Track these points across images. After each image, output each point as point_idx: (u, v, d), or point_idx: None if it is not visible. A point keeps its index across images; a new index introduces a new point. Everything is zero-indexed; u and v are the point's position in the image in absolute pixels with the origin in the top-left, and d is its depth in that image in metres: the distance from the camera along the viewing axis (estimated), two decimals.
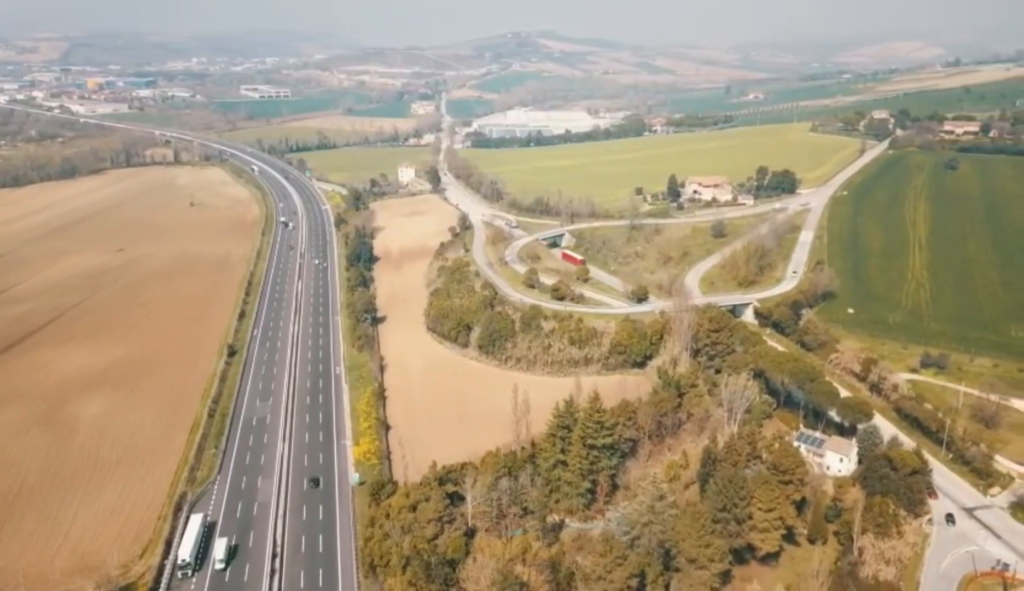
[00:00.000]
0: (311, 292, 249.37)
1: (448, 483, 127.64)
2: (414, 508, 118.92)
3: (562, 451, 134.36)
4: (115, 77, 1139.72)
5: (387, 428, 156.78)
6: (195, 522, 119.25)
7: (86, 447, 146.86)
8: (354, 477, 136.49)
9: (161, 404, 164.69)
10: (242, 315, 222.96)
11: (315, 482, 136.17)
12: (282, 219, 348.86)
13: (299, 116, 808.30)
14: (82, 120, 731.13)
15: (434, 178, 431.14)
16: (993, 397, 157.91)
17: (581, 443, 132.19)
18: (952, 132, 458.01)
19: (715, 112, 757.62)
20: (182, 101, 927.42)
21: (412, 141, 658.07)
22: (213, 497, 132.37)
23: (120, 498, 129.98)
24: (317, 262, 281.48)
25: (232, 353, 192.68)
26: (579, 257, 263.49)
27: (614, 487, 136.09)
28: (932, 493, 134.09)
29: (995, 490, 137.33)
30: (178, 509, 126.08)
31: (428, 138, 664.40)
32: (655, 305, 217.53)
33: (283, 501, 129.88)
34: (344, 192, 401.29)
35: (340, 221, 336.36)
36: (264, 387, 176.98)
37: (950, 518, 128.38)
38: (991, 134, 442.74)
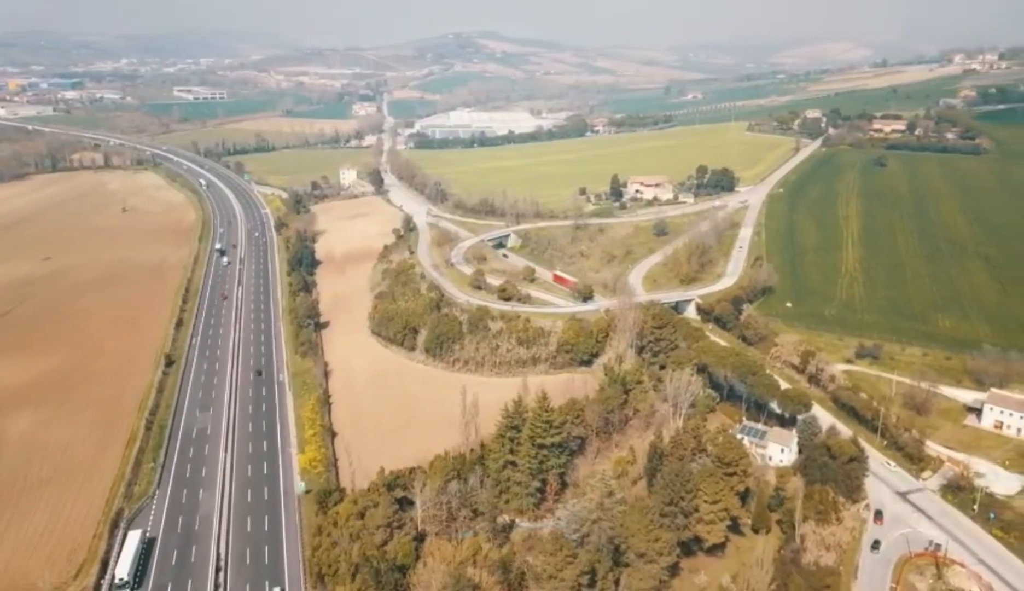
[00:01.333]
0: (252, 298, 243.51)
1: (397, 488, 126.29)
2: (362, 515, 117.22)
3: (511, 451, 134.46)
4: (38, 78, 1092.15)
5: (333, 435, 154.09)
6: (133, 539, 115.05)
7: (13, 465, 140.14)
8: (300, 486, 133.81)
9: (94, 418, 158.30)
10: (179, 323, 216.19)
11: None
12: (218, 246, 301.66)
13: (236, 118, 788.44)
14: (2, 123, 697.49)
15: (377, 180, 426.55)
16: (923, 385, 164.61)
17: (530, 443, 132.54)
18: (881, 130, 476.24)
19: (655, 112, 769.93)
20: (111, 103, 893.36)
21: (354, 143, 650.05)
22: (152, 512, 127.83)
23: (52, 517, 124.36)
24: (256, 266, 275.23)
25: (169, 363, 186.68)
26: (572, 279, 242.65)
27: (563, 485, 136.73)
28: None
29: (927, 474, 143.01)
30: (115, 526, 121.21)
31: (370, 139, 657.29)
32: (600, 304, 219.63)
33: (226, 513, 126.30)
34: (284, 195, 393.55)
35: (281, 225, 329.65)
36: (204, 397, 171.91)
37: (878, 516, 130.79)
38: (917, 132, 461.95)
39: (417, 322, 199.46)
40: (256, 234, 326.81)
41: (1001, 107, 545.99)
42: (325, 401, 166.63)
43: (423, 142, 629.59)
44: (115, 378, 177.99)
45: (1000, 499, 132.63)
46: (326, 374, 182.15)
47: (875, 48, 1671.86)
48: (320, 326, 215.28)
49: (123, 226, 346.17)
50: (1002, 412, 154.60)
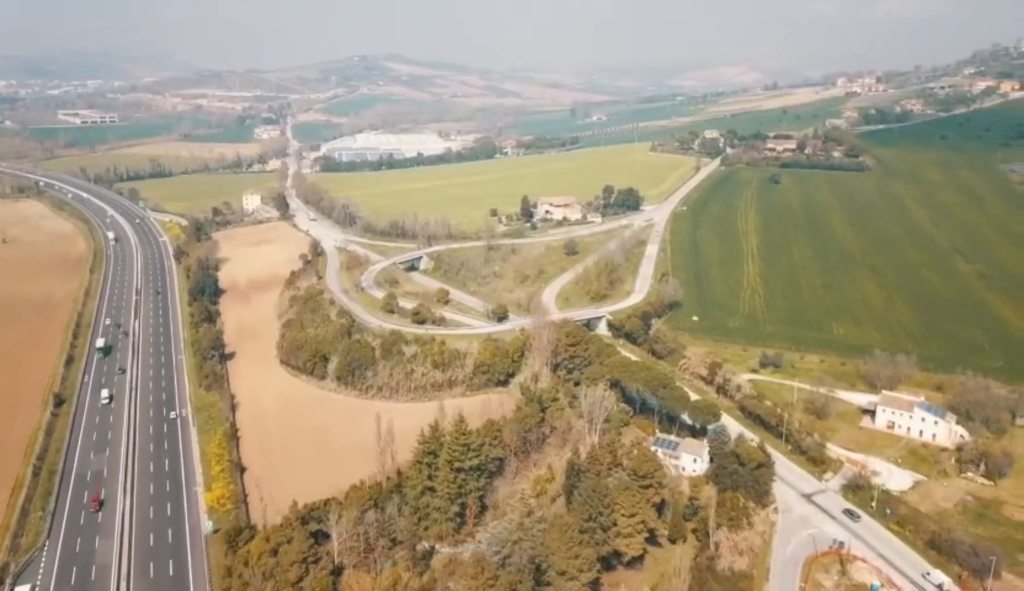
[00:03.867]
0: (150, 331, 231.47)
1: (311, 522, 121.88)
2: (275, 552, 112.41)
3: (429, 477, 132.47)
4: None
5: (242, 470, 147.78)
6: None
7: None
8: (207, 525, 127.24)
9: None
10: (70, 360, 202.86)
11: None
12: (106, 322, 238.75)
13: (129, 143, 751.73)
14: None
15: (282, 205, 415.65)
16: (822, 390, 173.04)
17: (448, 467, 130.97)
18: (774, 149, 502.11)
19: (562, 134, 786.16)
20: None
21: (257, 167, 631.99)
22: (42, 565, 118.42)
23: None
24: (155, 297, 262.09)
25: (59, 402, 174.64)
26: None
27: (483, 508, 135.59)
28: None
29: (828, 475, 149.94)
30: (0, 583, 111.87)
31: (274, 163, 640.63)
32: (515, 323, 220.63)
33: (126, 561, 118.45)
34: (184, 222, 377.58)
35: (180, 253, 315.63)
36: (99, 438, 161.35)
37: None
38: (807, 151, 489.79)
39: (327, 349, 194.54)
40: (153, 263, 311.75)
41: (881, 127, 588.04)
42: (232, 435, 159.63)
43: (330, 165, 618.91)
44: None
45: (895, 495, 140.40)
46: (233, 407, 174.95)
47: (766, 72, 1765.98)
48: (225, 357, 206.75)
49: (3, 259, 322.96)
50: (893, 413, 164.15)
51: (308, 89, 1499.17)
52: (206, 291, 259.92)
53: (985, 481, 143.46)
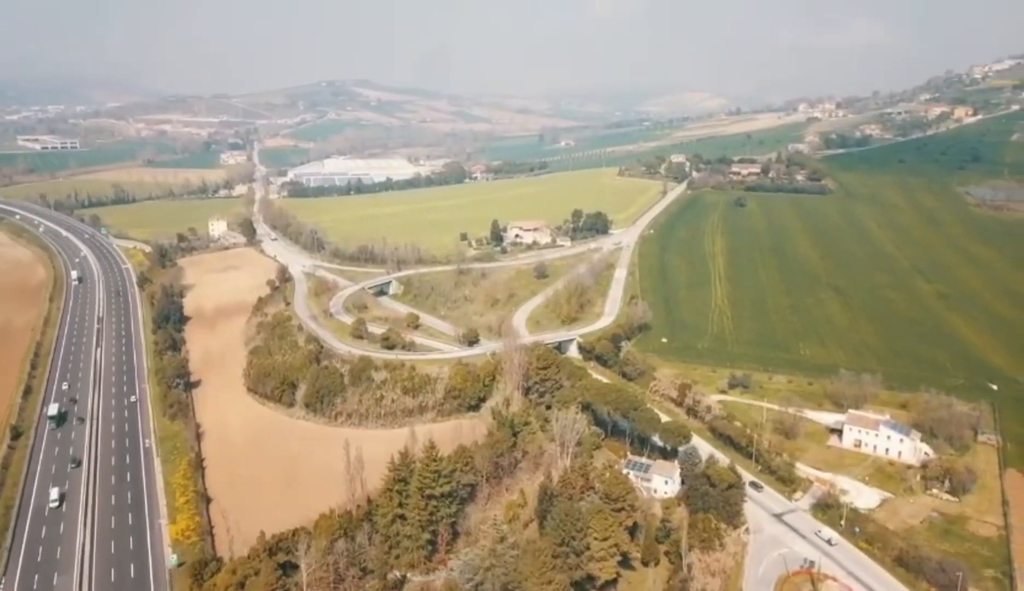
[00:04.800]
0: (112, 360, 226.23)
1: (279, 553, 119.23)
2: (242, 584, 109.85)
3: (400, 505, 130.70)
4: None
5: (208, 501, 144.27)
6: None
7: None
8: (172, 559, 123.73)
9: None
10: (28, 391, 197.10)
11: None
12: (65, 391, 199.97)
13: (91, 169, 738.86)
14: None
15: (249, 230, 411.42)
16: (790, 410, 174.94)
17: (419, 494, 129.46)
18: (739, 173, 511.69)
19: (531, 159, 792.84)
20: None
21: (223, 192, 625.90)
22: None
23: None
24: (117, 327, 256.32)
25: (16, 435, 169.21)
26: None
27: (455, 534, 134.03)
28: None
29: (798, 495, 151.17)
30: None
31: (241, 189, 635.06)
32: (486, 347, 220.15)
33: None
34: (148, 249, 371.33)
35: (144, 280, 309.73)
36: (59, 470, 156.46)
37: None
38: (771, 175, 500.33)
39: (295, 376, 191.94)
40: (116, 291, 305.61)
41: (841, 151, 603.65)
42: (198, 465, 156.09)
43: (297, 191, 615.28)
44: None
45: (863, 513, 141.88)
46: (198, 436, 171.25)
47: (730, 97, 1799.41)
48: (191, 386, 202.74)
49: None
50: (860, 431, 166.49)
51: (275, 114, 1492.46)
52: (171, 318, 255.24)
53: (950, 497, 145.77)
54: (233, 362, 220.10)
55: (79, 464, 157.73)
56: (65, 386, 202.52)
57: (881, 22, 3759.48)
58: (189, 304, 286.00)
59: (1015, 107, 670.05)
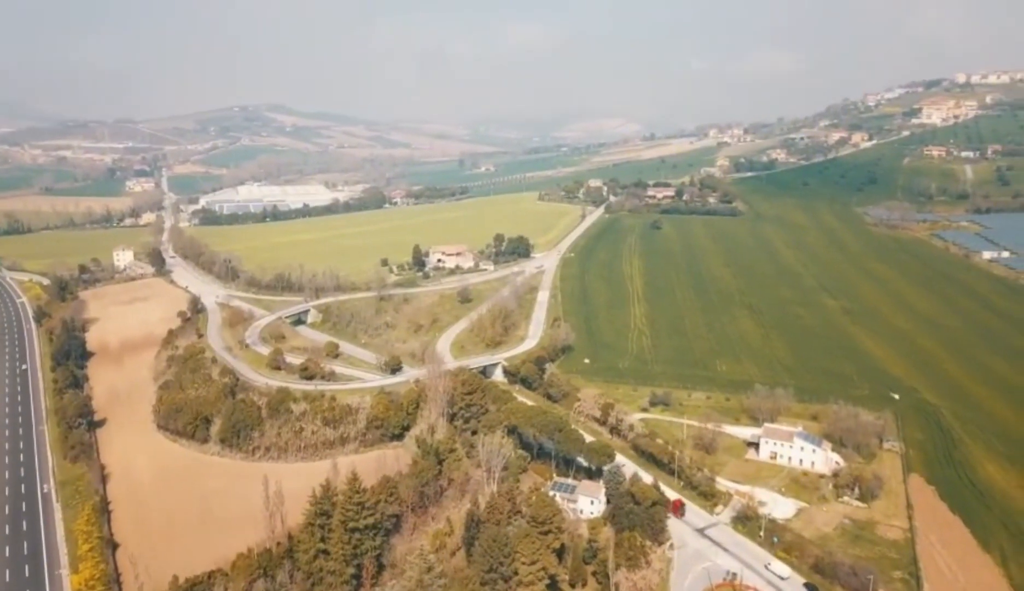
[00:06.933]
0: (6, 401, 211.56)
1: None
2: None
3: (322, 539, 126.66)
4: None
5: (114, 547, 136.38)
6: None
7: None
8: None
9: None
10: None
11: None
12: None
13: None
14: None
15: (158, 260, 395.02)
16: (709, 426, 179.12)
17: (342, 528, 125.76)
18: (654, 197, 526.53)
19: (452, 184, 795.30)
20: None
21: (129, 221, 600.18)
22: None
23: None
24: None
25: None
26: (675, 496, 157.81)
27: (380, 567, 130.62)
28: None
29: (719, 508, 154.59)
30: None
31: (149, 217, 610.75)
32: (409, 374, 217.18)
33: None
34: (46, 282, 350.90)
35: (42, 315, 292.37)
36: None
37: None
38: (684, 197, 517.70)
39: (209, 411, 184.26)
40: (9, 327, 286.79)
41: (750, 174, 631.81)
42: (103, 509, 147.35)
43: (210, 218, 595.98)
44: None
45: (780, 523, 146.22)
46: (103, 478, 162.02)
47: (644, 123, 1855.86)
48: (95, 425, 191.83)
49: None
50: (775, 444, 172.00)
51: (185, 140, 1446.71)
52: (72, 355, 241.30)
53: (860, 504, 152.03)
54: (141, 398, 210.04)
55: None
56: None
57: (783, 53, 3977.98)
58: (92, 339, 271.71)
59: (905, 133, 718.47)
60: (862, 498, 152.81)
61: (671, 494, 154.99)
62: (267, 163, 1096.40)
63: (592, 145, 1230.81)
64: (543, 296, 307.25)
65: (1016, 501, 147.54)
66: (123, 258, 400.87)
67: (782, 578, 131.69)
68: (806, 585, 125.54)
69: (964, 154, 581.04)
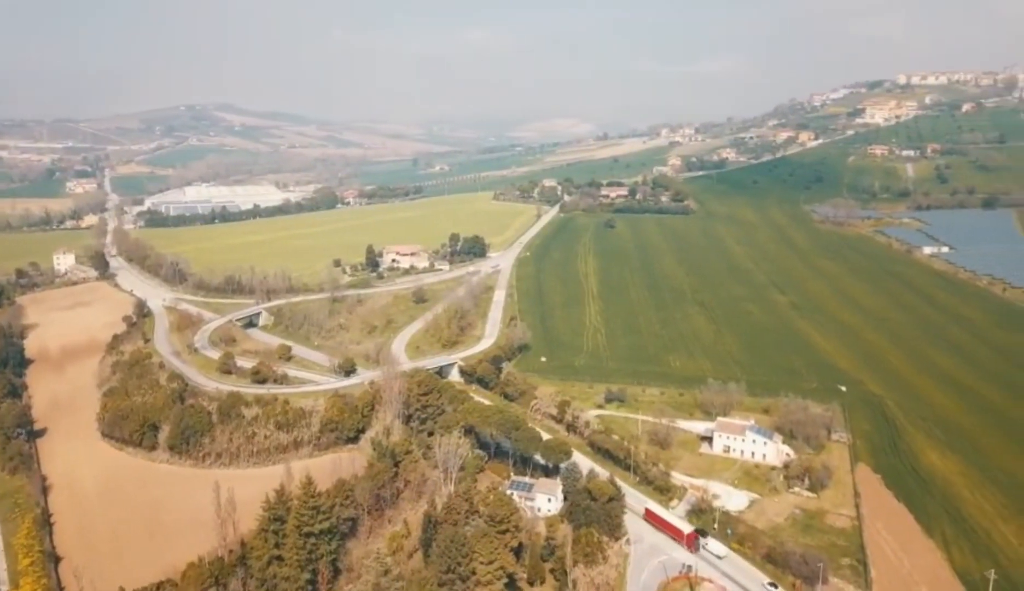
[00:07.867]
0: None
1: None
2: None
3: (276, 545, 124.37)
4: None
5: (57, 560, 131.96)
6: None
7: None
8: None
9: None
10: None
11: None
12: None
13: None
14: None
15: (101, 263, 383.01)
16: (664, 421, 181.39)
17: (297, 533, 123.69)
18: (608, 196, 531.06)
19: (406, 183, 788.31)
20: None
21: (70, 223, 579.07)
22: None
23: None
24: None
25: None
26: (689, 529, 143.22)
27: (336, 572, 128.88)
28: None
29: (674, 502, 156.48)
30: None
31: (91, 219, 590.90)
32: (364, 376, 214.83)
33: None
34: None
35: None
36: None
37: None
38: (637, 197, 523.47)
39: (157, 417, 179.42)
40: None
41: (701, 173, 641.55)
42: (44, 522, 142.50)
43: (156, 220, 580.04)
44: None
45: (734, 515, 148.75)
46: (45, 490, 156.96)
47: (597, 123, 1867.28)
48: (34, 435, 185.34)
49: None
50: (728, 438, 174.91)
51: (129, 140, 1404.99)
52: (9, 362, 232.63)
53: (810, 494, 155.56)
54: (85, 406, 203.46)
55: None
56: None
57: (730, 56, 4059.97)
58: (32, 345, 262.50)
59: (850, 132, 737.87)
60: (812, 489, 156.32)
61: (627, 489, 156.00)
62: (216, 163, 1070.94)
63: (546, 145, 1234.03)
64: (499, 295, 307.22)
65: (956, 488, 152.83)
66: (64, 262, 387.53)
67: (719, 557, 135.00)
68: (770, 584, 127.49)
69: (905, 153, 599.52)
